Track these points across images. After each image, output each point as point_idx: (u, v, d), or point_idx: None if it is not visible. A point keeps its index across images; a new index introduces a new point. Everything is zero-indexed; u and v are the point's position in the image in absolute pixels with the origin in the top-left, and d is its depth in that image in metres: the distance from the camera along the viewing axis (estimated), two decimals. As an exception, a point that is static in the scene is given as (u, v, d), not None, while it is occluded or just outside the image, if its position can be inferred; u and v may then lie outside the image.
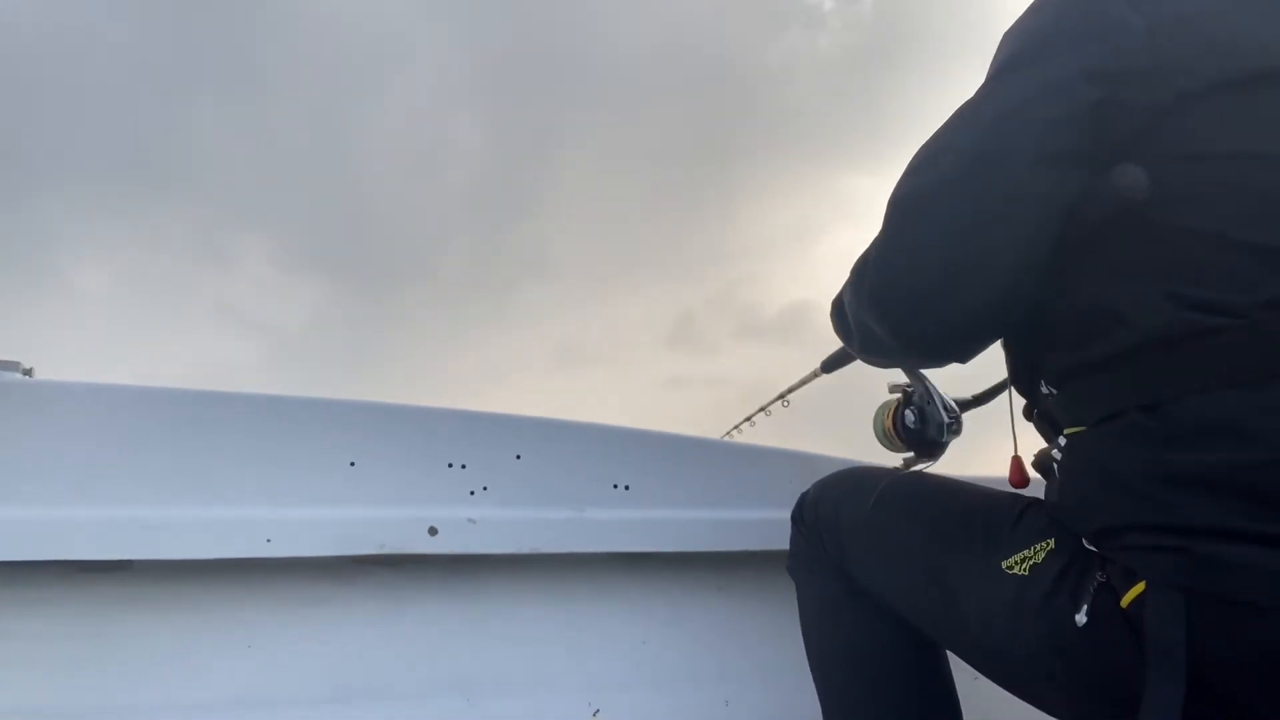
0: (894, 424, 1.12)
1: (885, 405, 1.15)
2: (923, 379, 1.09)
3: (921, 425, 1.08)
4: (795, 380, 1.21)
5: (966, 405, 1.12)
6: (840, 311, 0.95)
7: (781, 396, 1.24)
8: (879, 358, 0.95)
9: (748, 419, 1.27)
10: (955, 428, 1.08)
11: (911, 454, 1.14)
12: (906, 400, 1.12)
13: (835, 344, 1.13)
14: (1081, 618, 0.68)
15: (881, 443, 1.15)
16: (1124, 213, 0.69)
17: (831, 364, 1.19)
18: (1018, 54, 0.74)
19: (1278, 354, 0.62)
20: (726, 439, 1.35)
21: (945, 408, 1.08)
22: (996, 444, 0.95)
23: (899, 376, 1.14)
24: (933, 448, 1.10)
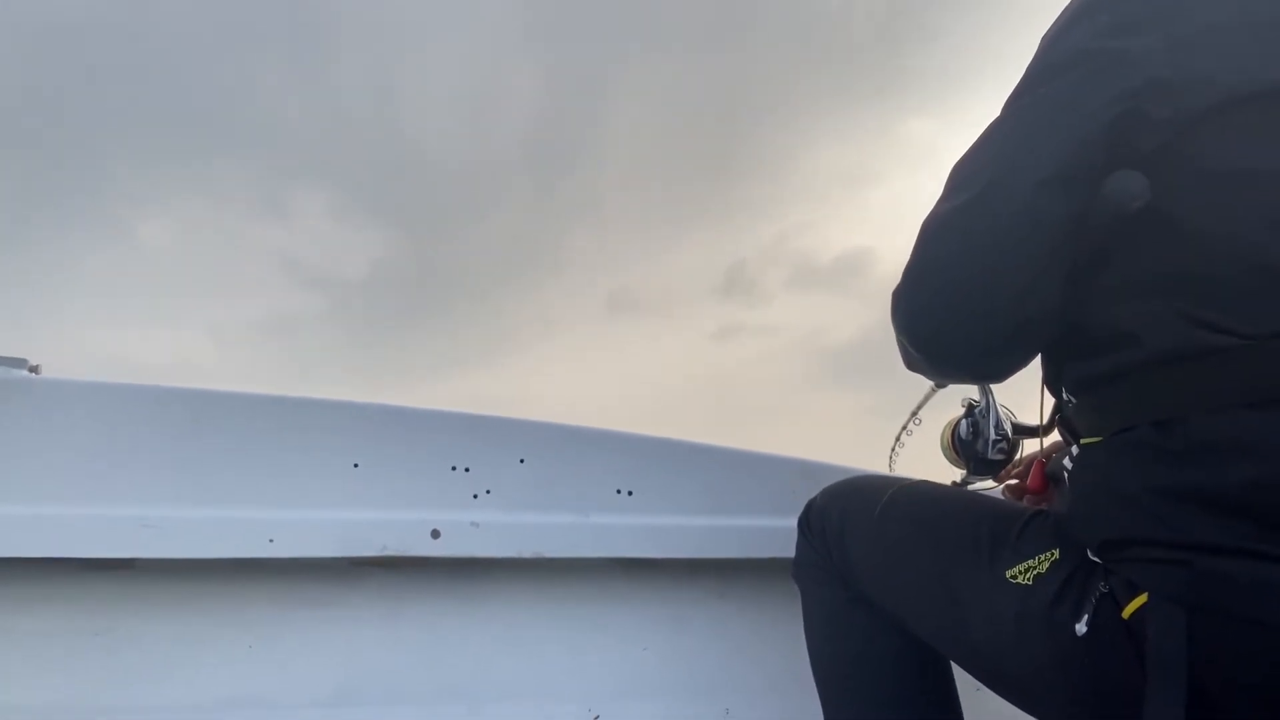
0: (953, 436, 1.12)
1: (954, 419, 1.16)
2: (988, 394, 1.09)
3: (973, 438, 1.09)
4: (919, 399, 1.23)
5: (1025, 431, 1.11)
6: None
7: (913, 415, 1.26)
8: (920, 373, 0.95)
9: (897, 439, 1.29)
10: (1001, 446, 1.08)
11: (966, 471, 1.13)
12: (969, 412, 1.13)
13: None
14: (1082, 627, 0.67)
15: (944, 454, 1.16)
16: (1139, 226, 0.67)
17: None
18: (1044, 69, 0.73)
19: None
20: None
21: (997, 426, 1.08)
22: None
23: (975, 392, 1.14)
24: (986, 465, 1.09)
